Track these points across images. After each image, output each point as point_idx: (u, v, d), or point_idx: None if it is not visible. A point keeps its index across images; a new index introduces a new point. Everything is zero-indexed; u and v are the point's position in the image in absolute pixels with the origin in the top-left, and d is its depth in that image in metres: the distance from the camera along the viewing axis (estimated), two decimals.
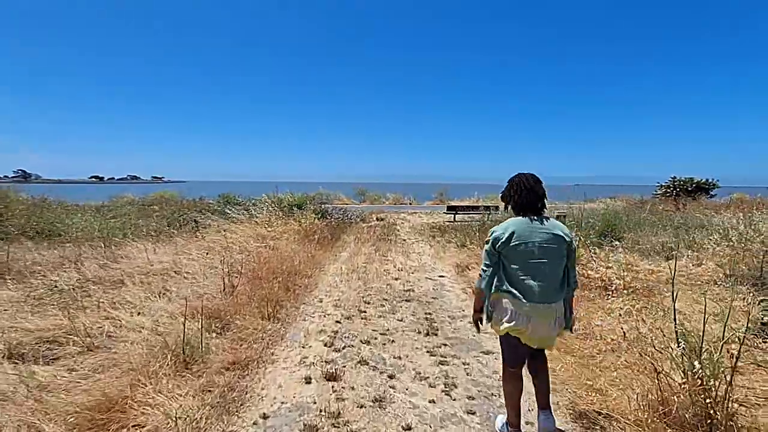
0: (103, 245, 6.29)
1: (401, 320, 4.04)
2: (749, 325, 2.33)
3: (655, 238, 7.01)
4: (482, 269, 2.05)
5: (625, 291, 4.35)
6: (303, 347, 3.36)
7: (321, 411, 2.39)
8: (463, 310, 4.36)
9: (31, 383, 2.53)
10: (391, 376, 2.85)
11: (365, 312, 4.26)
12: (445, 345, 3.42)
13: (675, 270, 2.56)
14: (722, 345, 2.17)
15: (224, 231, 8.07)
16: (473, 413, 2.42)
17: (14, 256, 5.57)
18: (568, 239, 1.99)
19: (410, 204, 21.82)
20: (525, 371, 2.18)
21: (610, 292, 4.29)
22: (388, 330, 3.76)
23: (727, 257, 5.30)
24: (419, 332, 3.71)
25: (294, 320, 4.00)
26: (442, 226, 11.04)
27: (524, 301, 1.93)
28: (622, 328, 3.23)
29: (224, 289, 4.33)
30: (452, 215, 13.23)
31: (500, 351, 2.19)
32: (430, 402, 2.53)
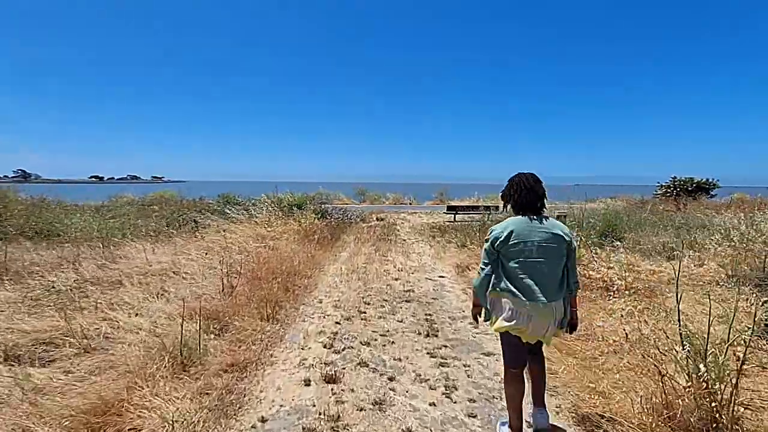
0: (101, 245, 6.26)
1: (401, 321, 4.01)
2: (753, 326, 2.30)
3: (656, 238, 6.98)
4: (480, 267, 2.09)
5: (626, 292, 4.33)
6: (302, 349, 3.32)
7: (320, 414, 2.36)
8: (464, 311, 4.32)
9: (26, 386, 2.50)
10: (391, 378, 2.81)
11: (365, 313, 4.23)
12: (446, 346, 3.39)
13: (679, 271, 2.53)
14: (727, 347, 2.14)
15: (224, 231, 8.04)
16: (474, 416, 2.38)
17: (12, 256, 5.54)
18: (567, 239, 1.99)
19: (410, 204, 21.79)
20: (526, 374, 2.16)
21: (612, 293, 4.26)
22: (388, 331, 3.72)
23: (729, 257, 5.27)
24: (419, 333, 3.68)
25: (293, 321, 3.97)
26: (442, 226, 11.01)
27: (524, 299, 1.93)
28: (624, 330, 3.20)
29: (223, 290, 4.30)
30: (452, 215, 13.20)
31: (501, 353, 2.18)
32: (430, 405, 2.50)
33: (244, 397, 2.56)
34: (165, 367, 2.66)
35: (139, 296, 4.11)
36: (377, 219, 13.04)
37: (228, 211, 9.77)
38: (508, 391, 2.13)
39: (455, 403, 2.53)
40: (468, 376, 2.88)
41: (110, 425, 2.14)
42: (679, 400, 2.05)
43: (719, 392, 1.95)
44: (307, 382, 2.74)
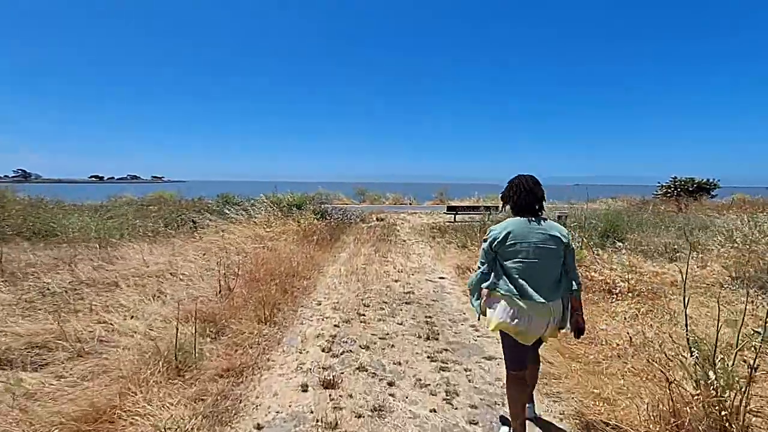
0: (98, 246, 6.21)
1: (401, 324, 3.95)
2: (765, 330, 2.23)
3: (658, 239, 6.92)
4: (477, 266, 2.16)
5: (629, 294, 4.27)
6: (300, 352, 3.26)
7: (317, 421, 2.29)
8: (464, 313, 4.27)
9: (17, 391, 2.44)
10: (390, 384, 2.75)
11: (364, 315, 4.16)
12: (446, 350, 3.33)
13: (687, 274, 2.46)
14: (736, 353, 2.08)
15: (222, 231, 7.98)
16: (476, 423, 2.32)
17: (9, 257, 5.49)
18: (565, 240, 2.03)
19: (410, 204, 21.72)
20: None
21: (615, 295, 4.20)
22: (387, 334, 3.66)
23: (733, 259, 5.21)
24: (419, 336, 3.62)
25: (291, 324, 3.91)
26: (442, 227, 10.95)
27: (521, 299, 1.96)
28: (628, 333, 3.14)
29: (220, 292, 4.24)
30: (452, 215, 13.14)
31: (502, 356, 2.17)
32: (431, 411, 2.44)
33: (240, 403, 2.49)
34: (159, 372, 2.60)
35: (135, 298, 4.05)
36: (377, 219, 12.98)
37: (227, 212, 9.71)
38: (510, 394, 2.11)
39: (456, 409, 2.46)
40: (469, 380, 2.82)
41: None
42: (687, 408, 1.99)
43: (729, 400, 1.89)
44: (305, 388, 2.67)
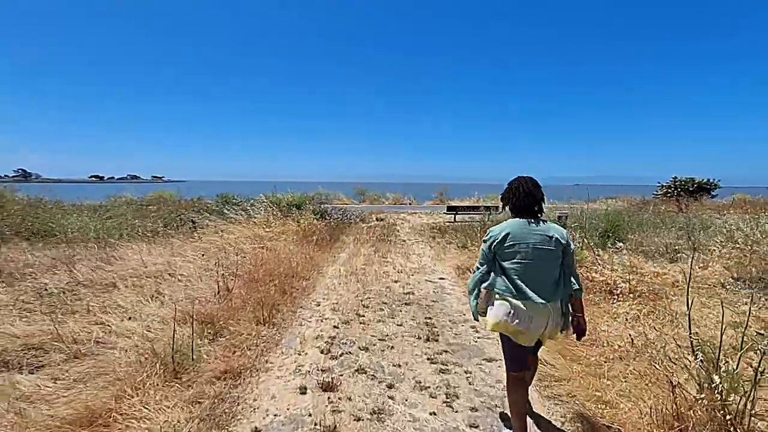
0: (97, 246, 6.18)
1: (401, 325, 3.92)
2: (765, 333, 2.21)
3: (659, 239, 6.89)
4: (476, 267, 2.17)
5: (630, 295, 4.24)
6: (299, 354, 3.23)
7: (316, 425, 2.27)
8: (464, 314, 4.24)
9: (12, 394, 2.41)
10: (390, 386, 2.72)
11: (364, 316, 4.13)
12: (446, 352, 3.30)
13: (690, 275, 2.44)
14: (740, 355, 2.05)
15: (221, 232, 7.95)
16: (476, 426, 2.29)
17: (7, 257, 5.46)
18: (564, 242, 2.02)
19: (410, 204, 21.70)
20: None
21: (616, 296, 4.17)
22: (387, 335, 3.63)
23: (734, 259, 5.18)
24: (419, 338, 3.59)
25: (290, 325, 3.88)
26: (442, 227, 10.92)
27: (520, 300, 1.96)
28: (629, 334, 3.12)
29: (219, 292, 4.21)
30: (452, 215, 13.11)
31: (503, 358, 2.16)
32: (430, 414, 2.41)
33: (238, 406, 2.46)
34: (156, 374, 2.57)
35: (133, 299, 4.02)
36: (377, 219, 12.96)
37: (226, 212, 9.68)
38: (511, 397, 2.10)
39: (456, 412, 2.44)
40: (469, 383, 2.79)
41: None
42: (691, 412, 1.96)
43: (734, 403, 1.86)
44: (303, 390, 2.64)
